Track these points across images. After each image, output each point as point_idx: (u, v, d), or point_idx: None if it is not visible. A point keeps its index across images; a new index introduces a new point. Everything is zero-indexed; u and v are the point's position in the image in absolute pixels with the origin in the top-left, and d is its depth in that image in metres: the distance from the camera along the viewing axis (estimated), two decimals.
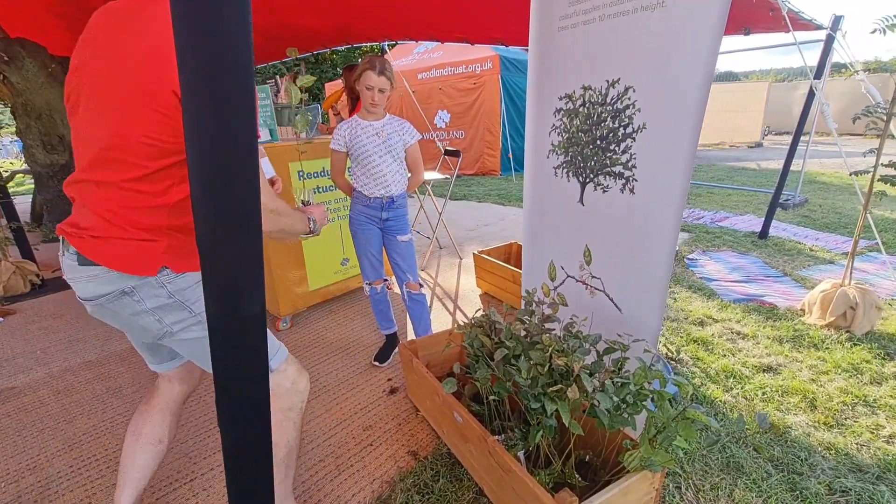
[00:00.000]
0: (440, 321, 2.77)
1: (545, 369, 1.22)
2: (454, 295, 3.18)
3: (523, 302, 1.62)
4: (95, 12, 1.00)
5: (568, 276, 1.76)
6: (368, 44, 6.01)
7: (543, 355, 1.24)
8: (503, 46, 5.37)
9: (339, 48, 6.29)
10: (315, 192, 2.69)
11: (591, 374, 1.21)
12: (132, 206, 0.95)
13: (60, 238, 1.02)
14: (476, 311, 1.63)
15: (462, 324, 1.59)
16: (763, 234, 4.22)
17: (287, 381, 1.19)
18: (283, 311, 2.67)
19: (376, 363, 2.30)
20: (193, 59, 0.48)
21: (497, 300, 3.03)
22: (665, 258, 1.39)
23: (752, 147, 12.37)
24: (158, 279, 1.00)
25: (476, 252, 3.12)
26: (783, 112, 14.80)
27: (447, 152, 4.02)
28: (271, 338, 1.12)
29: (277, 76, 2.71)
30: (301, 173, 2.60)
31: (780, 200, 4.45)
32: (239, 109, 0.51)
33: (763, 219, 4.26)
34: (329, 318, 2.84)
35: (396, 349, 2.35)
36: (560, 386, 1.16)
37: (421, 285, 2.17)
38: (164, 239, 1.00)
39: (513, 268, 2.80)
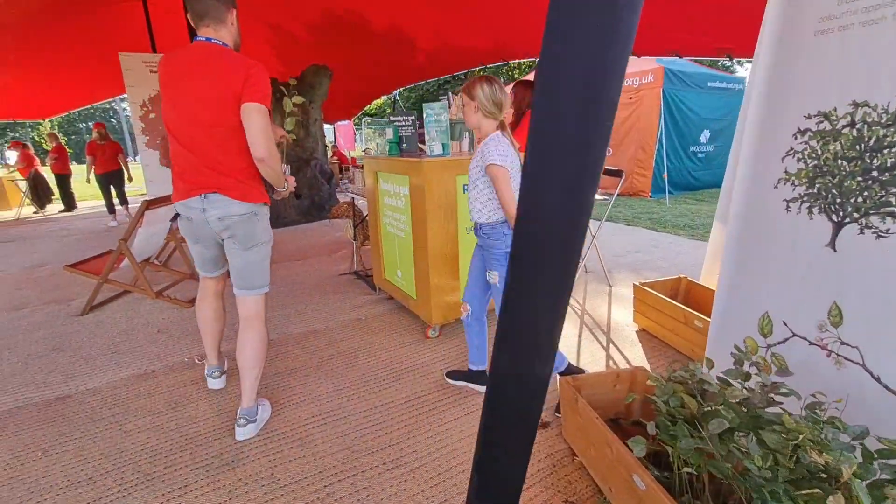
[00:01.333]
0: (590, 354, 2.55)
1: (789, 460, 0.96)
2: (606, 327, 2.91)
3: (732, 359, 1.35)
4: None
5: (794, 334, 1.42)
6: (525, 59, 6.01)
7: (785, 441, 0.98)
8: (675, 58, 4.87)
9: (492, 65, 6.43)
10: None
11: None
12: (243, 165, 1.74)
13: (200, 195, 1.73)
14: (674, 364, 1.40)
15: (653, 375, 1.38)
16: None
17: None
18: (435, 320, 2.73)
19: (447, 378, 2.30)
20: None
21: (659, 340, 2.68)
22: None
23: None
24: (264, 205, 1.85)
25: (638, 283, 2.81)
26: None
27: (607, 171, 3.75)
28: (266, 271, 1.93)
29: (450, 92, 2.81)
30: (466, 187, 2.64)
31: None
32: (588, 158, 0.45)
33: None
34: None
35: (473, 384, 2.24)
36: (817, 491, 0.90)
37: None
38: (255, 180, 1.80)
39: (685, 307, 2.44)
